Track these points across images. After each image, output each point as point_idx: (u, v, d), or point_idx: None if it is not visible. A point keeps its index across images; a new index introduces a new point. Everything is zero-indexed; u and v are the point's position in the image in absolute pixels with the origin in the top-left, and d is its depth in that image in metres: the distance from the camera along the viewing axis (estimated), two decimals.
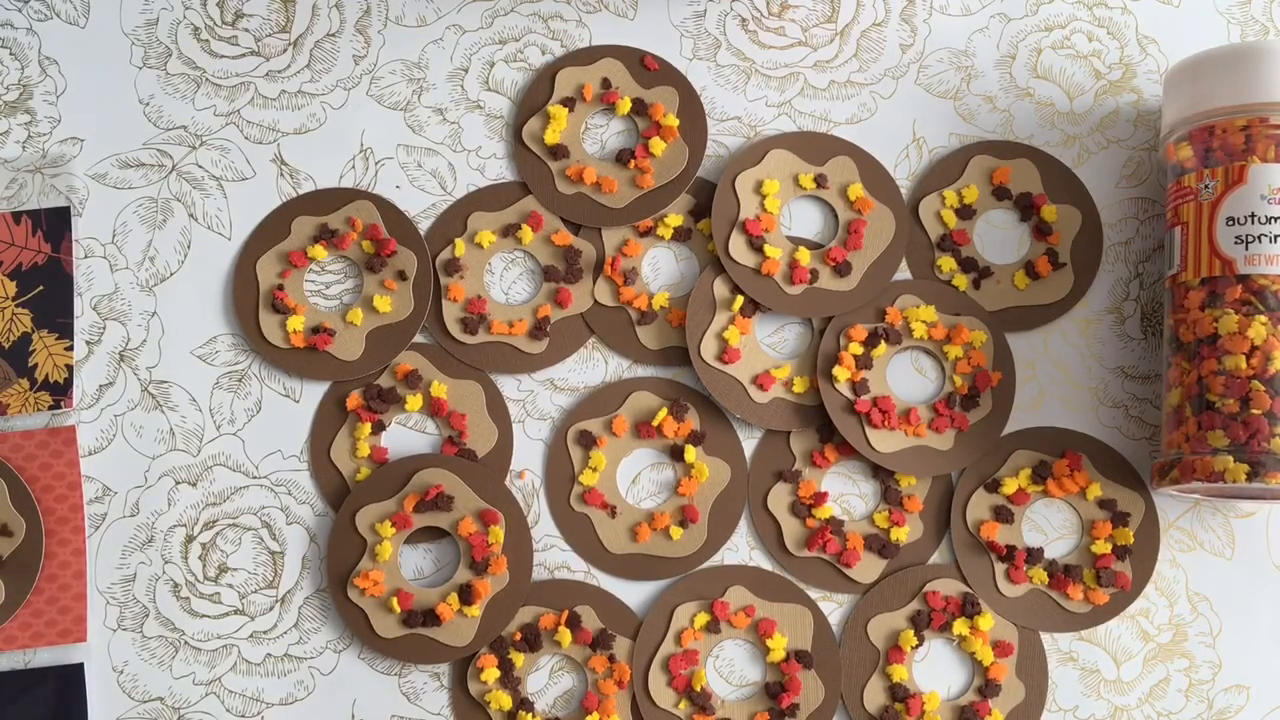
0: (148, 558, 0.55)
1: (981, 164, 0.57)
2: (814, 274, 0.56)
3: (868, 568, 0.55)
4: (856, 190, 0.57)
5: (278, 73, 0.58)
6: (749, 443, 0.56)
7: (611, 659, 0.54)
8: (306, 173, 0.58)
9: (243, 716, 0.55)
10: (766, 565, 0.55)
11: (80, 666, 0.55)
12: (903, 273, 0.57)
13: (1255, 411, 0.50)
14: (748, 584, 0.55)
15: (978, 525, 0.55)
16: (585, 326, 0.57)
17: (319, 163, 0.58)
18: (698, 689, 0.54)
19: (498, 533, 0.54)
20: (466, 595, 0.54)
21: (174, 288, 0.57)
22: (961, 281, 0.56)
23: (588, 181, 0.57)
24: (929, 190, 0.57)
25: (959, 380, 0.55)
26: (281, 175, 0.57)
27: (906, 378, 0.56)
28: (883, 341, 0.55)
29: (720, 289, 0.56)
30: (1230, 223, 0.51)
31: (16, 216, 0.57)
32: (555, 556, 0.56)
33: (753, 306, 0.56)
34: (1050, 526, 0.55)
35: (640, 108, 0.57)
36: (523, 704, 0.54)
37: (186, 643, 0.55)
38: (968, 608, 0.54)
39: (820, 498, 0.55)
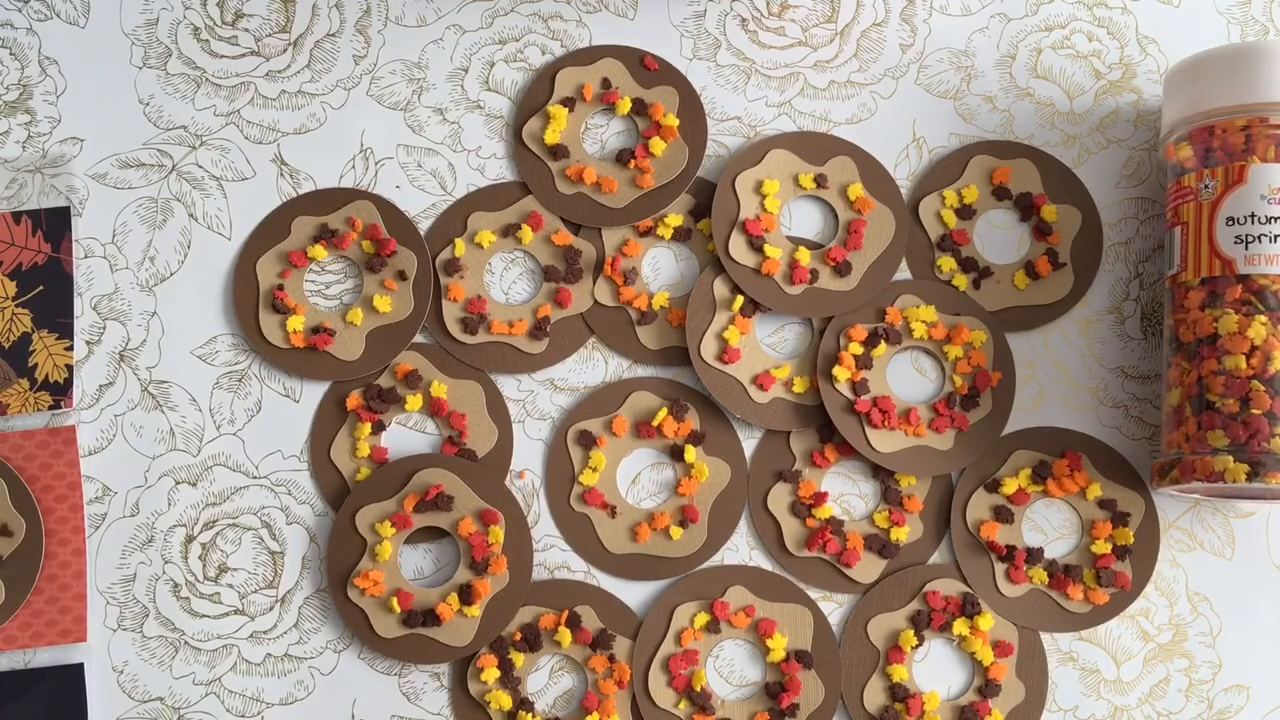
0: (148, 558, 0.55)
1: (981, 164, 0.57)
2: (814, 274, 0.56)
3: (868, 568, 0.55)
4: (856, 190, 0.56)
5: (278, 73, 0.58)
6: (749, 443, 0.56)
7: (611, 659, 0.54)
8: (306, 173, 0.58)
9: (243, 716, 0.55)
10: (766, 565, 0.55)
11: (80, 666, 0.55)
12: (903, 273, 0.57)
13: (1255, 411, 0.50)
14: (748, 584, 0.55)
15: (978, 525, 0.55)
16: (585, 326, 0.57)
17: (319, 163, 0.58)
18: (698, 689, 0.54)
19: (498, 533, 0.54)
20: (466, 595, 0.54)
21: (174, 288, 0.57)
22: (961, 281, 0.56)
23: (588, 181, 0.57)
24: (929, 190, 0.57)
25: (959, 380, 0.55)
26: (281, 175, 0.57)
27: (906, 378, 0.56)
28: (883, 341, 0.55)
29: (720, 289, 0.56)
30: (1230, 223, 0.51)
31: (16, 216, 0.57)
32: (555, 556, 0.56)
33: (753, 306, 0.56)
34: (1050, 526, 0.55)
35: (640, 108, 0.57)
36: (523, 704, 0.54)
37: (186, 643, 0.55)
38: (968, 608, 0.54)
39: (820, 498, 0.55)
